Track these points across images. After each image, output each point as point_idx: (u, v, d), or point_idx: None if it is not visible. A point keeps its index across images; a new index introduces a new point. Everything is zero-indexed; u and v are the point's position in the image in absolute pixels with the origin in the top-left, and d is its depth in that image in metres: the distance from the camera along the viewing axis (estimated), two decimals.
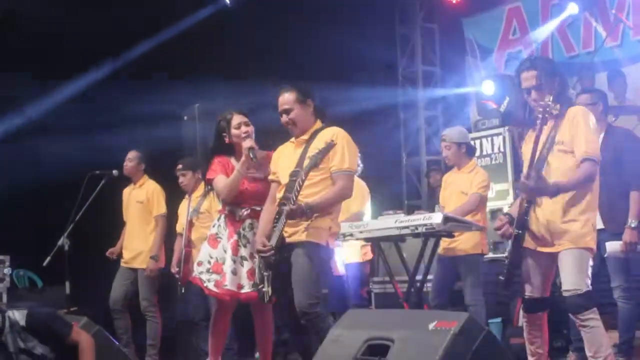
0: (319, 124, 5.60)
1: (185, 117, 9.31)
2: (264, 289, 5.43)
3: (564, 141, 4.87)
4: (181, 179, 7.94)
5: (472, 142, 8.79)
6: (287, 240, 5.38)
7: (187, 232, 7.69)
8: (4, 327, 5.12)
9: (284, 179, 5.50)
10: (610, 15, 9.32)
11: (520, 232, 4.89)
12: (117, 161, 8.38)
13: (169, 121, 9.41)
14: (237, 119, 5.96)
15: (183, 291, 7.77)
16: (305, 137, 5.54)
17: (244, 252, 5.93)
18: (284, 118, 5.55)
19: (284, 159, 5.62)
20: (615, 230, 5.97)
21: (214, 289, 5.95)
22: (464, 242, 6.90)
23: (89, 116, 9.33)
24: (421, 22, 11.64)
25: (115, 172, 8.31)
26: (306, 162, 5.35)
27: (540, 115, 4.77)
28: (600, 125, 5.82)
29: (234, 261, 5.94)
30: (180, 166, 7.97)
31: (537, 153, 4.83)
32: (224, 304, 6.07)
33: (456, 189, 7.12)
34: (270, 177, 5.72)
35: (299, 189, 5.28)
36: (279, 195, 5.51)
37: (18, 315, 5.15)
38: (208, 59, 9.55)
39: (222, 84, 9.34)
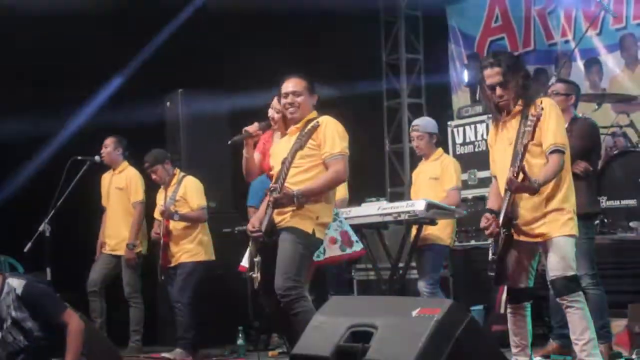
0: (314, 113, 5.60)
1: (168, 103, 9.23)
2: (254, 275, 5.41)
3: (534, 136, 4.89)
4: (153, 176, 7.89)
5: (455, 130, 8.86)
6: (277, 225, 5.37)
7: (165, 222, 7.68)
8: (1, 292, 5.13)
9: (277, 168, 5.50)
10: (592, 2, 9.33)
11: (508, 233, 4.91)
12: (99, 146, 8.37)
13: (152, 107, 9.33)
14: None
15: (163, 278, 7.79)
16: (299, 125, 5.54)
17: None
18: (290, 99, 5.52)
19: (279, 152, 5.60)
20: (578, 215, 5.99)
21: None
22: (435, 231, 6.89)
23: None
24: (405, 9, 11.62)
25: (97, 157, 8.28)
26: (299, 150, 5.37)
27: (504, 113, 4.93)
28: (566, 116, 5.95)
29: None
30: (147, 164, 7.91)
31: (513, 151, 4.89)
32: None
33: (425, 177, 7.16)
34: (272, 172, 5.71)
35: (284, 175, 5.30)
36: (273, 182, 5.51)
37: (16, 283, 5.17)
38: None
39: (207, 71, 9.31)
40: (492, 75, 4.99)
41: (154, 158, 7.92)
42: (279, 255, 5.31)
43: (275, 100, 5.98)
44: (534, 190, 4.81)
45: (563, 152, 4.89)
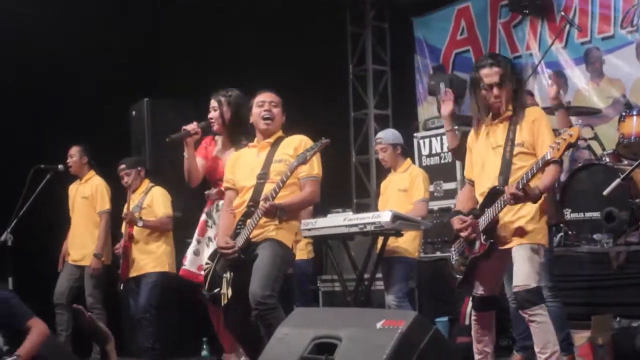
0: (281, 132, 5.63)
1: (134, 113, 9.16)
2: (222, 292, 5.36)
3: (524, 143, 4.92)
4: (125, 179, 7.85)
5: (422, 141, 8.89)
6: (253, 240, 5.33)
7: (129, 228, 7.63)
8: None
9: (247, 183, 5.46)
10: (557, 17, 9.42)
11: (493, 241, 4.90)
12: (64, 155, 8.28)
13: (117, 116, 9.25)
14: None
15: (122, 287, 7.73)
16: (270, 140, 5.55)
17: (210, 232, 5.94)
18: (267, 106, 5.55)
19: (242, 165, 5.57)
20: None
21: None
22: (404, 244, 6.89)
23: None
24: (372, 21, 11.66)
25: (61, 166, 8.21)
26: (275, 165, 5.39)
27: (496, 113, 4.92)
28: None
29: (199, 242, 5.99)
30: (123, 165, 7.87)
31: (502, 158, 4.92)
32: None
33: (394, 188, 7.16)
34: (225, 184, 5.66)
35: (277, 189, 5.23)
36: (244, 198, 5.45)
37: None
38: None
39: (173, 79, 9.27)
40: (491, 74, 4.98)
41: (135, 162, 7.96)
42: (259, 263, 5.24)
43: (213, 101, 6.03)
44: (536, 199, 4.80)
45: (560, 164, 4.88)
